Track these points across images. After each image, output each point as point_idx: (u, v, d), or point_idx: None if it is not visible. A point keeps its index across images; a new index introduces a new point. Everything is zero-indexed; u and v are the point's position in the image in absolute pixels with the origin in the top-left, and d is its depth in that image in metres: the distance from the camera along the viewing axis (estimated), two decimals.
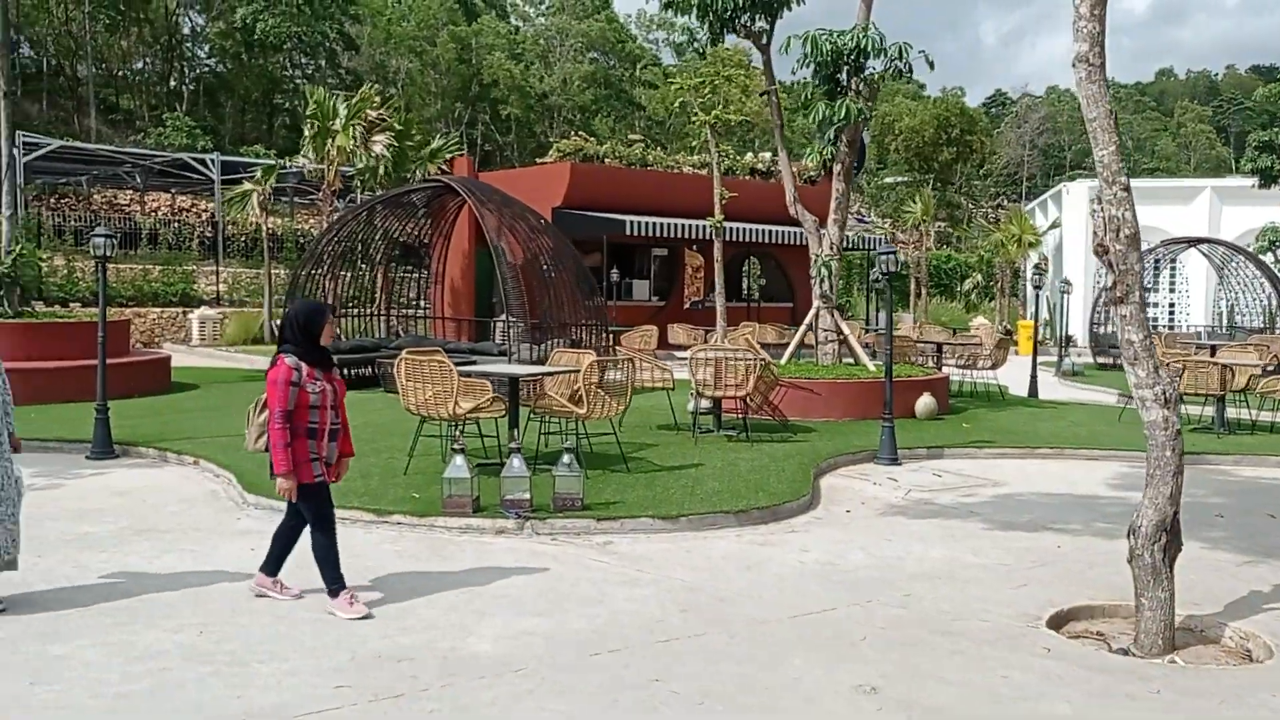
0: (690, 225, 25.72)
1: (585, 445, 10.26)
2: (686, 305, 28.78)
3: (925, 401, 14.02)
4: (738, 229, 25.35)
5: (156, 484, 9.49)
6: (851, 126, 13.85)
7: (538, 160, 30.52)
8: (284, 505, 6.19)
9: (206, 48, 57.02)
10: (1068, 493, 9.97)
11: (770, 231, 27.49)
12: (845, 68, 13.72)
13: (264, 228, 25.79)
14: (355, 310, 20.52)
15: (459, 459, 7.89)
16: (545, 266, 16.28)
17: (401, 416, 13.23)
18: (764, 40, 14.71)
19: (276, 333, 26.23)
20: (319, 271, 18.57)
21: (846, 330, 14.54)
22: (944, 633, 5.78)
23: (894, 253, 11.02)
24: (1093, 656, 5.56)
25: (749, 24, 14.49)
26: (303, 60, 53.76)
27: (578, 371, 9.79)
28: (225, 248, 31.52)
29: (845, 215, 14.52)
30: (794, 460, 10.44)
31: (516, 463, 7.94)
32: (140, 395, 14.53)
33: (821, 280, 14.28)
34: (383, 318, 22.09)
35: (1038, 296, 22.24)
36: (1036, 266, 40.34)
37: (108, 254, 10.31)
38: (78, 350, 15.18)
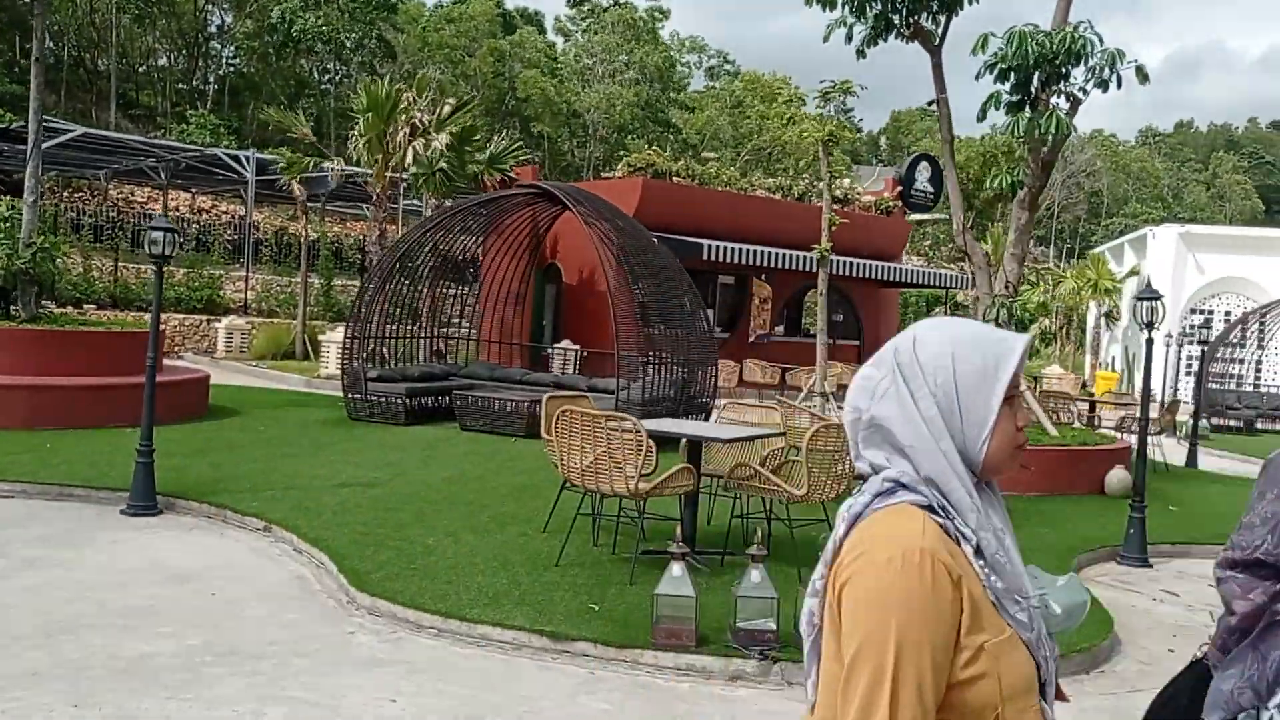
0: (768, 253, 23.59)
1: (770, 530, 7.92)
2: (752, 339, 26.41)
3: (1119, 475, 11.68)
4: (798, 257, 23.32)
5: (224, 561, 7.09)
6: (1051, 146, 11.58)
7: (606, 176, 28.36)
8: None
9: (233, 47, 55.06)
10: None
11: (843, 263, 25.30)
12: (1043, 75, 11.44)
13: (304, 232, 23.45)
14: (394, 329, 18.12)
15: (676, 568, 5.54)
16: (649, 291, 14.01)
17: (500, 465, 10.84)
18: (935, 41, 12.47)
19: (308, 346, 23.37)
20: (374, 286, 16.30)
21: (1024, 386, 12.20)
22: None
23: (1158, 298, 8.73)
24: None
25: (920, 21, 12.27)
26: (334, 65, 51.75)
27: (781, 435, 7.45)
28: (254, 253, 29.22)
29: (1025, 250, 12.23)
30: (1034, 562, 8.07)
31: (756, 576, 5.59)
32: (176, 422, 12.11)
33: (997, 324, 11.93)
34: (426, 339, 19.78)
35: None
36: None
37: (166, 252, 7.95)
38: (103, 364, 12.80)
